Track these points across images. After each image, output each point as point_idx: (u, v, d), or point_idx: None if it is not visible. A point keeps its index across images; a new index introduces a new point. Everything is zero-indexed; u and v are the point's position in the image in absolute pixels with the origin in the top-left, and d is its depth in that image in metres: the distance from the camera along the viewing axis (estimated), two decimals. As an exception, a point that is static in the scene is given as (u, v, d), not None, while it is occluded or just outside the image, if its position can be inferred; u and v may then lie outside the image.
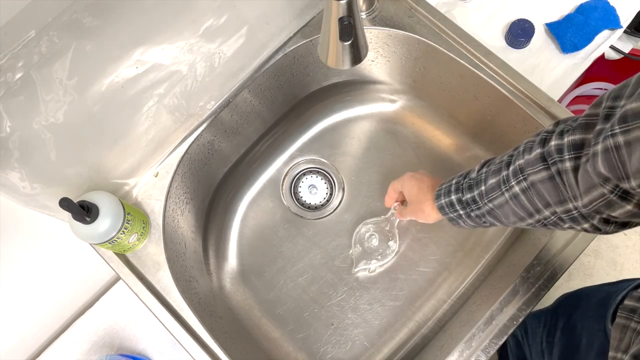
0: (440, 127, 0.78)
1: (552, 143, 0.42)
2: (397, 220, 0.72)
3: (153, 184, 0.63)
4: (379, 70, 0.76)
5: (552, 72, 0.69)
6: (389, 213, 0.72)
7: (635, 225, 0.41)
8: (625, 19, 0.71)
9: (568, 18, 0.70)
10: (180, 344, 0.58)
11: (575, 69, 0.69)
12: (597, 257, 1.25)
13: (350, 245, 0.74)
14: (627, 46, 0.89)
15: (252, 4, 0.58)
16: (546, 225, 0.46)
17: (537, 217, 0.45)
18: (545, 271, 0.58)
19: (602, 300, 0.58)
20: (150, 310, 0.59)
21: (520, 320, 0.57)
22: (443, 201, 0.56)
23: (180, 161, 0.64)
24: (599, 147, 0.35)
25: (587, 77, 1.20)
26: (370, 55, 0.73)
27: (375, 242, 0.74)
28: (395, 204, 0.70)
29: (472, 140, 0.76)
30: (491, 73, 0.64)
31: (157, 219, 0.62)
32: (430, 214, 0.60)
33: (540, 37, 0.70)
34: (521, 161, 0.45)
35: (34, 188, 0.50)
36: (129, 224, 0.56)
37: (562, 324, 0.68)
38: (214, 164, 0.71)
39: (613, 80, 1.20)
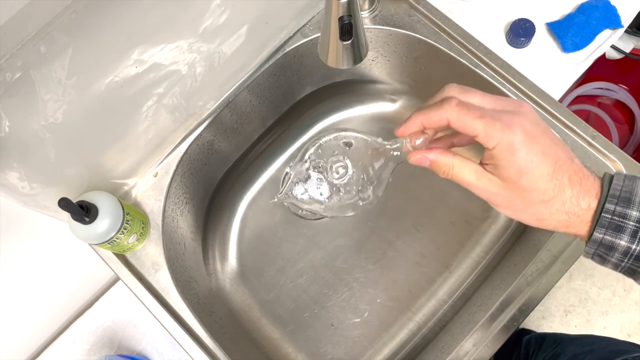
0: (440, 127, 0.78)
1: None
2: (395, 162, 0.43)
3: (152, 184, 0.63)
4: (379, 69, 0.75)
5: (553, 71, 0.69)
6: (396, 144, 0.42)
7: None
8: (627, 19, 0.71)
9: (569, 17, 0.70)
10: (180, 344, 0.57)
11: (576, 69, 0.69)
12: (598, 257, 1.24)
13: (350, 246, 0.74)
14: (628, 46, 0.89)
15: (251, 3, 0.57)
16: None
17: None
18: (546, 272, 0.58)
19: None
20: (150, 311, 0.58)
21: (521, 320, 0.57)
22: (604, 236, 0.34)
23: (179, 161, 0.64)
24: None
25: (588, 76, 1.20)
26: (370, 54, 0.73)
27: (342, 174, 0.44)
28: (421, 139, 0.39)
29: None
30: (492, 72, 0.64)
31: (156, 219, 0.62)
32: (548, 218, 0.35)
33: (541, 36, 0.70)
34: None
35: (33, 188, 0.50)
36: (128, 224, 0.55)
37: None
38: (214, 163, 0.71)
39: (614, 80, 1.20)
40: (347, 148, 0.43)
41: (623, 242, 0.34)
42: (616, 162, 0.60)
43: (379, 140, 0.43)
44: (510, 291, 0.58)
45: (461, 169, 0.36)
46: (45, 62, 0.42)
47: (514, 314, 0.57)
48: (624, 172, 0.59)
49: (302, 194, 0.43)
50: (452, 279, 0.71)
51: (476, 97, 0.36)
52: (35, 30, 0.40)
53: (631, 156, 0.60)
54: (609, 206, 0.34)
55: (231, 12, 0.56)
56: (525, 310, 0.57)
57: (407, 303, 0.71)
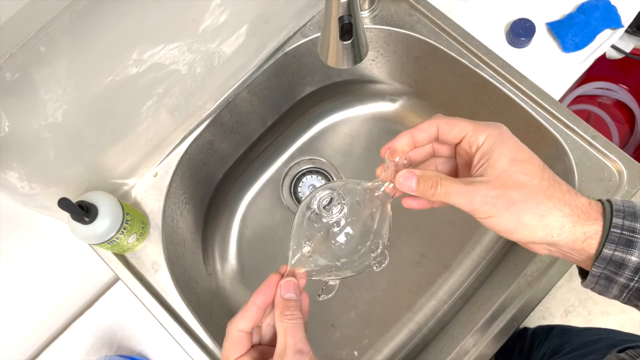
0: (440, 127, 0.78)
1: None
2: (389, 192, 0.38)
3: (152, 184, 0.63)
4: (379, 69, 0.75)
5: (553, 71, 0.69)
6: (382, 177, 0.38)
7: None
8: (627, 19, 0.71)
9: (569, 17, 0.70)
10: (180, 344, 0.57)
11: (576, 69, 0.69)
12: (598, 258, 1.24)
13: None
14: (628, 45, 0.89)
15: (251, 3, 0.57)
16: None
17: None
18: (547, 272, 0.58)
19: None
20: (150, 311, 0.58)
21: (521, 320, 0.57)
22: (613, 252, 0.32)
23: (179, 161, 0.63)
24: None
25: (588, 76, 1.20)
26: (370, 54, 0.72)
27: (347, 234, 0.37)
28: (405, 158, 0.37)
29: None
30: (492, 72, 0.64)
31: (156, 219, 0.62)
32: (531, 230, 0.33)
33: (541, 36, 0.70)
34: None
35: (32, 188, 0.50)
36: (128, 224, 0.55)
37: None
38: (214, 163, 0.71)
39: (614, 80, 1.20)
40: (333, 204, 0.38)
41: (634, 257, 0.32)
42: (616, 162, 0.60)
43: (362, 184, 0.39)
44: (510, 291, 0.58)
45: (450, 180, 0.34)
46: (45, 62, 0.42)
47: (514, 314, 0.57)
48: (624, 172, 0.59)
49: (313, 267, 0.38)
50: (452, 279, 0.71)
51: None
52: (35, 30, 0.40)
53: (631, 156, 0.60)
54: (617, 221, 0.32)
55: (231, 12, 0.55)
56: (525, 310, 0.57)
57: (407, 303, 0.71)
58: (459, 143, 0.37)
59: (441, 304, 0.70)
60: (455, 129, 0.36)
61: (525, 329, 0.91)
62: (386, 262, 0.40)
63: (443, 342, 0.63)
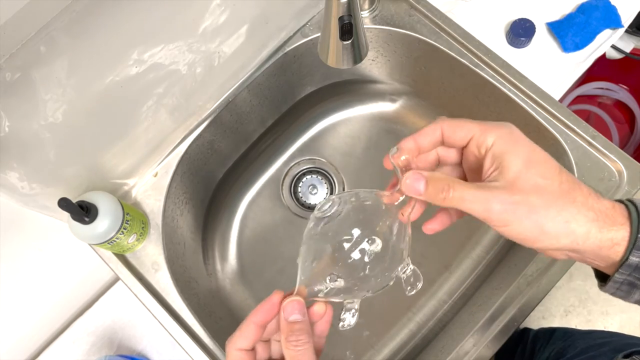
0: (440, 127, 0.78)
1: None
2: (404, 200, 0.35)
3: (152, 184, 0.63)
4: (379, 69, 0.75)
5: (553, 71, 0.69)
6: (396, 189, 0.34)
7: None
8: (627, 19, 0.71)
9: (569, 17, 0.70)
10: (180, 344, 0.57)
11: (576, 69, 0.69)
12: (598, 258, 1.24)
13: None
14: (628, 45, 0.89)
15: (251, 3, 0.57)
16: None
17: None
18: (547, 272, 0.58)
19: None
20: (150, 311, 0.58)
21: (521, 320, 0.57)
22: None
23: (179, 161, 0.63)
24: None
25: (588, 76, 1.20)
26: (370, 54, 0.72)
27: (363, 250, 0.34)
28: (407, 156, 0.34)
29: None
30: (492, 72, 0.64)
31: (156, 219, 0.62)
32: (556, 238, 0.31)
33: (541, 36, 0.70)
34: None
35: (32, 188, 0.50)
36: (128, 224, 0.55)
37: None
38: (214, 163, 0.71)
39: (614, 80, 1.20)
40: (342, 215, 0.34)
41: None
42: (616, 162, 0.60)
43: (375, 194, 0.35)
44: (510, 291, 0.58)
45: (463, 184, 0.31)
46: (45, 62, 0.42)
47: (514, 314, 0.57)
48: (624, 172, 0.59)
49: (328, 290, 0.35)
50: (452, 279, 0.71)
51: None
52: (35, 30, 0.40)
53: (631, 156, 0.60)
54: None
55: (231, 12, 0.55)
56: (525, 310, 0.57)
57: (407, 303, 0.71)
58: (465, 146, 0.34)
59: (441, 304, 0.70)
60: (461, 130, 0.33)
61: (526, 329, 0.91)
62: (419, 284, 0.37)
63: (443, 342, 0.63)
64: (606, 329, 1.18)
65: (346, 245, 0.34)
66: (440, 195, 0.32)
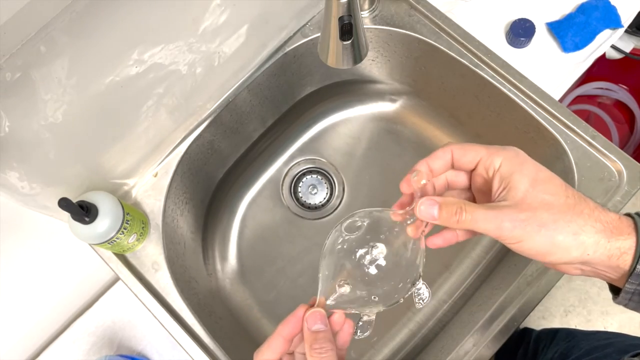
0: (440, 127, 0.78)
1: None
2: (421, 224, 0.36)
3: (152, 184, 0.63)
4: (379, 69, 0.75)
5: (553, 71, 0.69)
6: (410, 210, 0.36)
7: None
8: (627, 19, 0.71)
9: (569, 17, 0.70)
10: (180, 344, 0.57)
11: (576, 69, 0.69)
12: (598, 257, 1.24)
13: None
14: (628, 45, 0.89)
15: (251, 3, 0.57)
16: None
17: None
18: (546, 272, 0.58)
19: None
20: (150, 311, 0.58)
21: (521, 320, 0.57)
22: None
23: (179, 161, 0.64)
24: None
25: (588, 76, 1.20)
26: (370, 54, 0.73)
27: (380, 266, 0.36)
28: (425, 179, 0.35)
29: (473, 140, 0.76)
30: (492, 72, 0.64)
31: (156, 219, 0.62)
32: (566, 250, 0.32)
33: (541, 36, 0.70)
34: None
35: (32, 188, 0.50)
36: (128, 224, 0.55)
37: None
38: (214, 163, 0.71)
39: (614, 80, 1.20)
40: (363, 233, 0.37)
41: None
42: (616, 162, 0.60)
43: (386, 212, 0.38)
44: (510, 291, 0.58)
45: (474, 206, 0.33)
46: (45, 62, 0.42)
47: (513, 314, 0.57)
48: (624, 172, 0.59)
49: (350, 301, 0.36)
50: (452, 279, 0.71)
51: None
52: (35, 30, 0.40)
53: (631, 156, 0.60)
54: None
55: (231, 12, 0.55)
56: (525, 310, 0.57)
57: (407, 303, 0.71)
58: (474, 169, 0.36)
59: (441, 303, 0.70)
60: (469, 153, 0.35)
61: (527, 329, 0.91)
62: (427, 299, 0.39)
63: (443, 342, 0.63)
64: (606, 329, 1.18)
65: (364, 260, 0.36)
66: (453, 218, 0.33)
